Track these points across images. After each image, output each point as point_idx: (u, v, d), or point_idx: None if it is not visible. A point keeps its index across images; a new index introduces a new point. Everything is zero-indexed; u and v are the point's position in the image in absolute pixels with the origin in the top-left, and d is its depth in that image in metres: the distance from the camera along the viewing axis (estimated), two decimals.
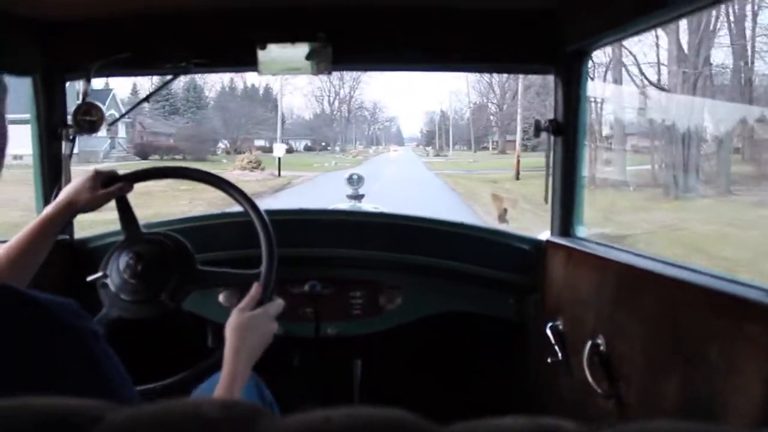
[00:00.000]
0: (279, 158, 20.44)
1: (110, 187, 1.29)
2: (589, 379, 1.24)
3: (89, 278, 1.28)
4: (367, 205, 4.12)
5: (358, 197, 4.48)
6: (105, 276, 1.28)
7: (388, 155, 50.36)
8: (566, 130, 1.50)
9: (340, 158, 38.82)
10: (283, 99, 47.39)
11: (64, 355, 0.60)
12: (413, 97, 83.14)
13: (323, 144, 49.94)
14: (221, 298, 1.64)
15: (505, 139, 44.27)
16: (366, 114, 60.90)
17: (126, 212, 1.33)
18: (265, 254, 1.24)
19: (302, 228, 1.67)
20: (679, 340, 1.00)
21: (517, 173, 19.28)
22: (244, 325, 1.09)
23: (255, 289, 1.15)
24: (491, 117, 48.67)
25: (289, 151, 44.25)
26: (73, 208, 1.25)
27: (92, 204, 1.27)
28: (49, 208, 1.22)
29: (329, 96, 49.90)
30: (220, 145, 33.86)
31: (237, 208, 1.36)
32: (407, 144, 76.69)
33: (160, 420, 0.30)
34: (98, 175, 1.28)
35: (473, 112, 56.77)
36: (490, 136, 51.64)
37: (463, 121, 57.23)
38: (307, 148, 47.43)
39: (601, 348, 1.25)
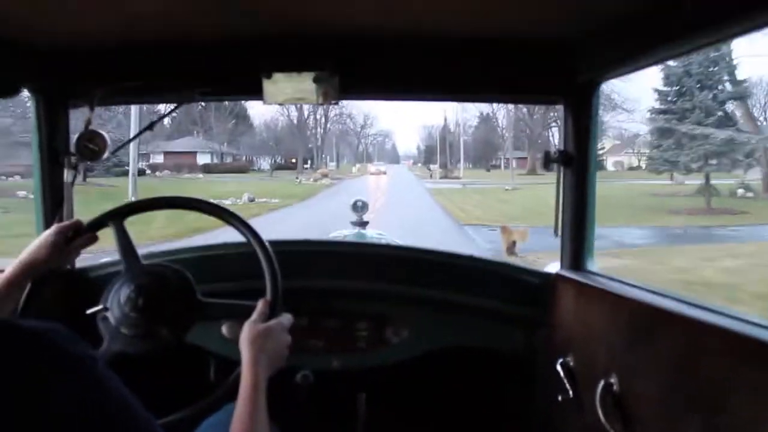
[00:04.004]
0: None
1: (75, 241, 1.31)
2: (602, 419, 1.24)
3: (89, 311, 1.31)
4: (371, 232, 4.11)
5: (362, 224, 4.22)
6: (105, 309, 1.31)
7: (368, 180, 34.70)
8: (577, 161, 1.56)
9: (290, 183, 24.31)
10: (253, 110, 34.94)
11: (65, 385, 0.58)
12: (408, 109, 69.90)
13: (293, 161, 36.69)
14: (224, 330, 1.67)
15: (535, 155, 34.62)
16: (350, 125, 46.26)
17: (124, 242, 1.36)
18: (267, 273, 1.29)
19: (306, 259, 1.72)
20: (700, 386, 1.00)
21: None
22: (259, 334, 1.13)
23: (263, 303, 1.22)
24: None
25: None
26: (35, 267, 1.24)
27: (57, 262, 1.29)
28: (8, 270, 1.21)
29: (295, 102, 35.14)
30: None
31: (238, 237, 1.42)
32: (403, 162, 61.69)
33: None
34: (60, 229, 1.29)
35: (481, 122, 42.57)
36: (501, 152, 38.35)
37: (467, 136, 42.66)
38: (278, 167, 39.05)
39: (615, 387, 1.24)
